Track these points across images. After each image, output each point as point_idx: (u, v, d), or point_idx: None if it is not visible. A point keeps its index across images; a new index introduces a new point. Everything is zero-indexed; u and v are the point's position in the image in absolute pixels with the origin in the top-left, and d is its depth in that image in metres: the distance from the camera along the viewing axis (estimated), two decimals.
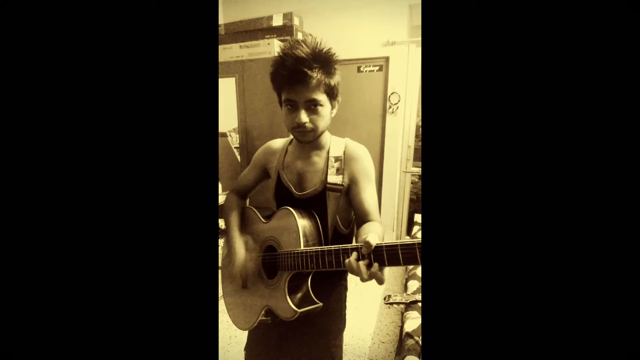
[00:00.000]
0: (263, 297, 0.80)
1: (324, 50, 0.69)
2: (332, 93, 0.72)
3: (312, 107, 0.70)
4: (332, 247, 0.63)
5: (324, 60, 0.69)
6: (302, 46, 0.67)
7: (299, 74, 0.66)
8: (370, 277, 0.56)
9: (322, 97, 0.70)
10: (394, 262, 0.54)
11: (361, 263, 0.56)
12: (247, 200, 0.98)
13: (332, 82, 0.71)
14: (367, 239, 0.55)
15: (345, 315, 0.91)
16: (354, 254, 0.57)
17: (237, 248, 0.82)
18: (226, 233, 0.88)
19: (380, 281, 0.56)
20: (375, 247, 0.55)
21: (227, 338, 1.74)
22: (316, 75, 0.67)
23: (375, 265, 0.55)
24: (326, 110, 0.73)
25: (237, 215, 0.89)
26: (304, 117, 0.70)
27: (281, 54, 0.69)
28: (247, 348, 0.98)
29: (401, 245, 0.53)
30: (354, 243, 0.64)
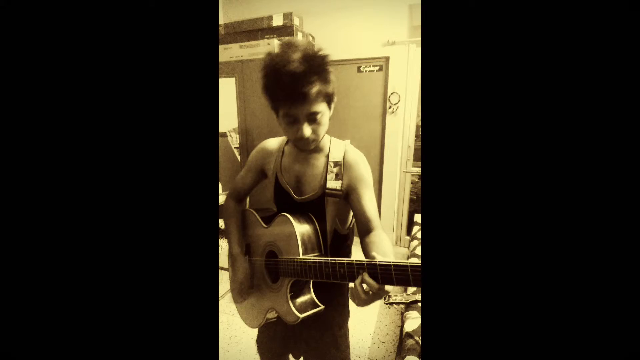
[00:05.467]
0: (267, 300, 0.82)
1: (316, 54, 0.65)
2: (330, 99, 0.70)
3: (314, 119, 0.68)
4: (329, 259, 0.64)
5: (320, 68, 0.65)
6: (292, 55, 0.62)
7: (298, 93, 0.63)
8: (371, 300, 0.57)
9: (322, 108, 0.68)
10: (402, 282, 0.54)
11: (364, 285, 0.56)
12: (247, 202, 0.98)
13: (330, 88, 0.68)
14: (369, 258, 0.57)
15: (348, 306, 0.92)
16: (359, 279, 0.58)
17: (237, 263, 0.84)
18: (227, 242, 0.89)
19: (379, 296, 0.57)
20: (382, 266, 0.55)
21: (227, 338, 1.74)
22: (315, 89, 0.63)
23: (371, 280, 0.56)
24: (326, 118, 0.71)
25: (235, 222, 0.89)
26: (307, 131, 0.68)
27: (274, 66, 0.64)
28: (258, 341, 1.01)
29: (411, 266, 0.52)
30: (354, 258, 0.64)
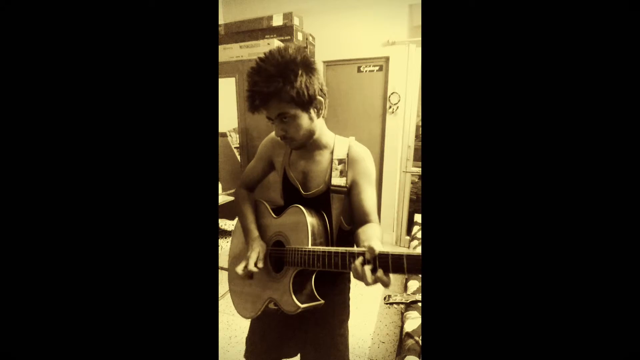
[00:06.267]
0: (268, 290, 0.83)
1: (288, 58, 0.67)
2: (300, 101, 0.69)
3: (284, 120, 0.71)
4: (340, 249, 0.65)
5: (284, 71, 0.67)
6: (262, 66, 0.67)
7: (253, 98, 0.69)
8: (374, 282, 0.56)
9: (290, 110, 0.70)
10: (398, 270, 0.55)
11: (366, 268, 0.57)
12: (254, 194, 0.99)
13: (292, 91, 0.67)
14: (372, 245, 0.57)
15: (348, 306, 0.93)
16: (359, 259, 0.58)
17: (254, 241, 0.83)
18: (241, 223, 0.90)
19: (386, 285, 0.56)
20: (381, 254, 0.56)
21: (227, 338, 1.74)
22: (271, 89, 0.66)
23: (380, 270, 0.56)
24: (301, 120, 0.72)
25: (250, 207, 0.91)
26: (279, 131, 0.74)
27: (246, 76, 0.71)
28: (249, 339, 0.99)
29: (407, 256, 0.54)
30: (358, 247, 0.65)
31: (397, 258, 0.54)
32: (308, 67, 0.69)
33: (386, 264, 0.55)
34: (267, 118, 0.74)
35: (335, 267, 0.65)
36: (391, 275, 0.56)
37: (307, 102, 0.71)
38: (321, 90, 0.73)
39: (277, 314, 0.85)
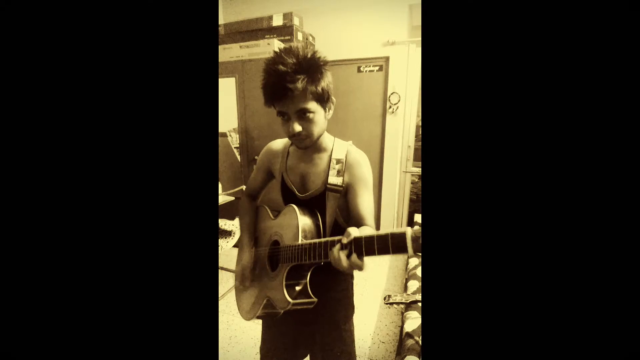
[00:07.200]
0: (265, 288, 0.85)
1: (310, 55, 0.69)
2: (322, 98, 0.72)
3: (303, 116, 0.71)
4: (322, 239, 0.67)
5: (310, 68, 0.68)
6: (285, 58, 0.67)
7: (283, 89, 0.67)
8: (350, 267, 0.59)
9: (311, 106, 0.71)
10: (370, 252, 0.57)
11: (342, 253, 0.59)
12: (259, 200, 1.05)
13: (319, 87, 0.70)
14: (349, 230, 0.60)
15: (352, 302, 0.96)
16: (338, 245, 0.61)
17: (243, 251, 0.89)
18: (240, 231, 0.96)
19: (360, 268, 0.59)
20: (355, 238, 0.59)
21: (227, 338, 1.74)
22: (300, 86, 0.67)
23: (354, 255, 0.58)
24: (318, 117, 0.74)
25: (248, 215, 0.96)
26: (297, 127, 0.72)
27: (266, 66, 0.70)
28: (262, 347, 1.02)
29: (377, 237, 0.56)
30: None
31: (369, 240, 0.56)
32: (324, 66, 0.72)
33: (360, 248, 0.58)
34: (279, 113, 0.73)
35: (319, 258, 0.67)
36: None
37: (326, 100, 0.74)
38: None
39: (285, 321, 0.87)
